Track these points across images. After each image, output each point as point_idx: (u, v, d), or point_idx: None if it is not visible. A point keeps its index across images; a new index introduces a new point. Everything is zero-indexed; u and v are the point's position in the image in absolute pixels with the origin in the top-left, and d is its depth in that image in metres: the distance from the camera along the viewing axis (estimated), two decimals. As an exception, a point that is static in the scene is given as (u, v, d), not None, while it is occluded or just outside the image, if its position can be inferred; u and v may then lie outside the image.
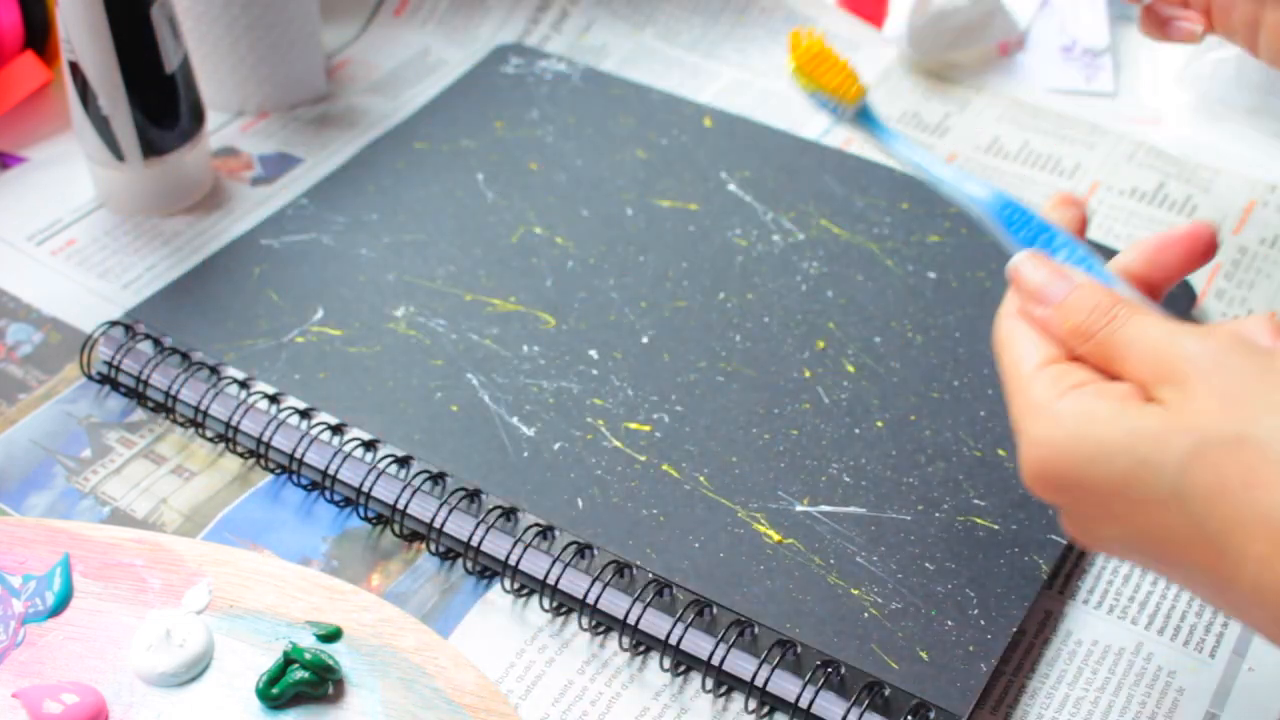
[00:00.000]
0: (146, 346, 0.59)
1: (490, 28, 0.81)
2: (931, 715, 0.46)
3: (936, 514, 0.52)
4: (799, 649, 0.48)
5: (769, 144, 0.70)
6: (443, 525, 0.52)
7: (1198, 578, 0.39)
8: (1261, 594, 0.36)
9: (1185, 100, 0.76)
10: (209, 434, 0.57)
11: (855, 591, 0.49)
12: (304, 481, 0.55)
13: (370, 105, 0.75)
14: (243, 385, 0.57)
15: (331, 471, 0.54)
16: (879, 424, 0.56)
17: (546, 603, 0.51)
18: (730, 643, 0.48)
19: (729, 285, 0.62)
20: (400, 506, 0.53)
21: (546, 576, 0.50)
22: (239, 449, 0.56)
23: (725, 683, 0.49)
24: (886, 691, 0.47)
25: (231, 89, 0.72)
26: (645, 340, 0.59)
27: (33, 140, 0.72)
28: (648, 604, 0.49)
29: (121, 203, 0.67)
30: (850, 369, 0.58)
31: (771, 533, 0.51)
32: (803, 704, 0.46)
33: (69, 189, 0.69)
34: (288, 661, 0.47)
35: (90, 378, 0.59)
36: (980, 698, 0.48)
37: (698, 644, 0.49)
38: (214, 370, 0.57)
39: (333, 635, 0.49)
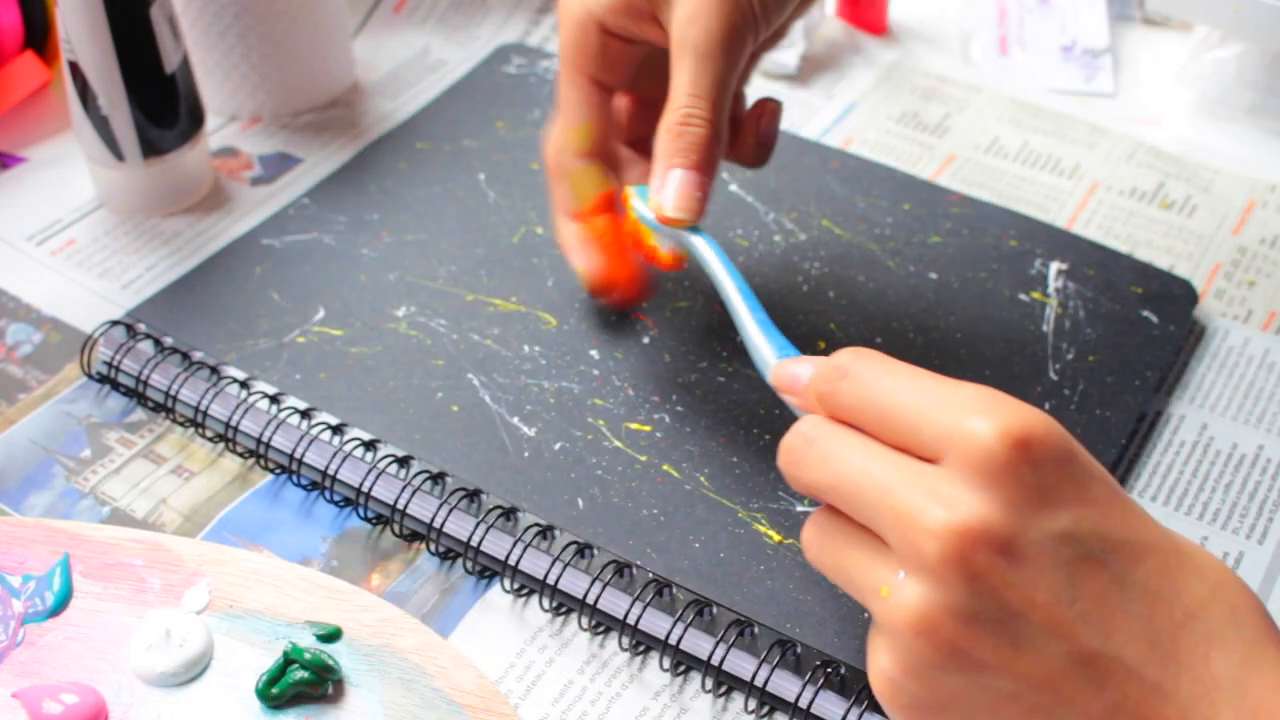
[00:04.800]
0: (147, 346, 0.59)
1: (490, 29, 0.81)
2: (932, 715, 0.46)
3: (937, 514, 0.52)
4: (799, 649, 0.48)
5: (769, 144, 0.70)
6: (443, 525, 0.52)
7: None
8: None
9: (1185, 100, 0.76)
10: (209, 434, 0.57)
11: (855, 592, 0.49)
12: (304, 481, 0.55)
13: (370, 105, 0.75)
14: (243, 385, 0.57)
15: (331, 471, 0.54)
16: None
17: (546, 603, 0.51)
18: (730, 643, 0.48)
19: (729, 285, 0.62)
20: (400, 506, 0.53)
21: (546, 576, 0.50)
22: (239, 449, 0.56)
23: (725, 683, 0.49)
24: (887, 692, 0.47)
25: (243, 95, 0.72)
26: (646, 340, 0.59)
27: (33, 140, 0.72)
28: (648, 604, 0.49)
29: (121, 203, 0.67)
30: (851, 369, 0.58)
31: (772, 533, 0.51)
32: (803, 704, 0.46)
33: (69, 189, 0.69)
34: (288, 661, 0.47)
35: (90, 377, 0.59)
36: (981, 698, 0.48)
37: (698, 644, 0.48)
38: (214, 370, 0.57)
39: (332, 635, 0.49)
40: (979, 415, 0.35)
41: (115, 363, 0.58)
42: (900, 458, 0.36)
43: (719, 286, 0.49)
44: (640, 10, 0.51)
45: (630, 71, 0.55)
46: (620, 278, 0.56)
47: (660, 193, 0.50)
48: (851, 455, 0.37)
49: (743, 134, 0.54)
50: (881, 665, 0.37)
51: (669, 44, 0.51)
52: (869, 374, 0.38)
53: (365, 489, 0.53)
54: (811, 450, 0.38)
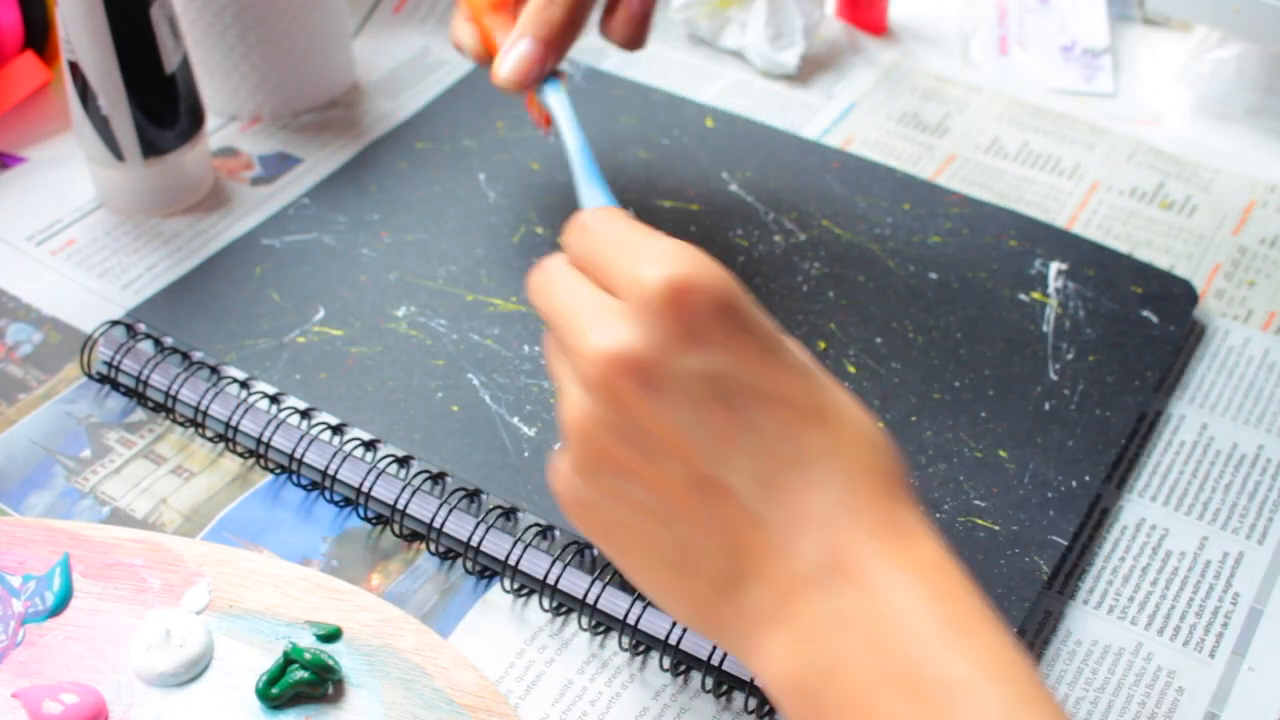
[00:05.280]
0: (147, 346, 0.59)
1: (491, 28, 0.81)
2: (932, 715, 0.46)
3: (937, 515, 0.52)
4: (799, 649, 0.48)
5: (771, 144, 0.70)
6: (443, 525, 0.52)
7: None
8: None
9: (1185, 100, 0.76)
10: (209, 434, 0.57)
11: (855, 592, 0.49)
12: (304, 481, 0.55)
13: (370, 105, 0.75)
14: (243, 385, 0.57)
15: (331, 471, 0.54)
16: (879, 425, 0.56)
17: (546, 602, 0.51)
18: (730, 643, 0.48)
19: (729, 285, 0.62)
20: (400, 506, 0.53)
21: (546, 576, 0.50)
22: (239, 449, 0.56)
23: (725, 682, 0.49)
24: (887, 692, 0.47)
25: (243, 95, 0.72)
26: (645, 340, 0.59)
27: (33, 140, 0.72)
28: (648, 604, 0.49)
29: (121, 203, 0.67)
30: (851, 370, 0.58)
31: (772, 533, 0.51)
32: (803, 704, 0.46)
33: (69, 189, 0.69)
34: (288, 661, 0.47)
35: (90, 377, 0.59)
36: (981, 698, 0.48)
37: (698, 644, 0.48)
38: (214, 370, 0.57)
39: (332, 635, 0.49)
40: (655, 262, 0.39)
41: (115, 363, 0.58)
42: (596, 293, 0.41)
43: (563, 139, 0.53)
44: None
45: None
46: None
47: (503, 58, 0.56)
48: (564, 286, 0.42)
49: (615, 11, 0.59)
50: (559, 461, 0.42)
51: None
52: (596, 227, 0.43)
53: (365, 489, 0.53)
54: (541, 280, 0.43)
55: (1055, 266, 0.63)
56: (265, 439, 0.55)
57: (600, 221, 0.43)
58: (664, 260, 0.39)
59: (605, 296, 0.41)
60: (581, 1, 0.56)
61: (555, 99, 0.55)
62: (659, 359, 0.39)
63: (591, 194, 0.50)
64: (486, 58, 0.59)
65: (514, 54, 0.55)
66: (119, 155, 0.64)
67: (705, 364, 0.39)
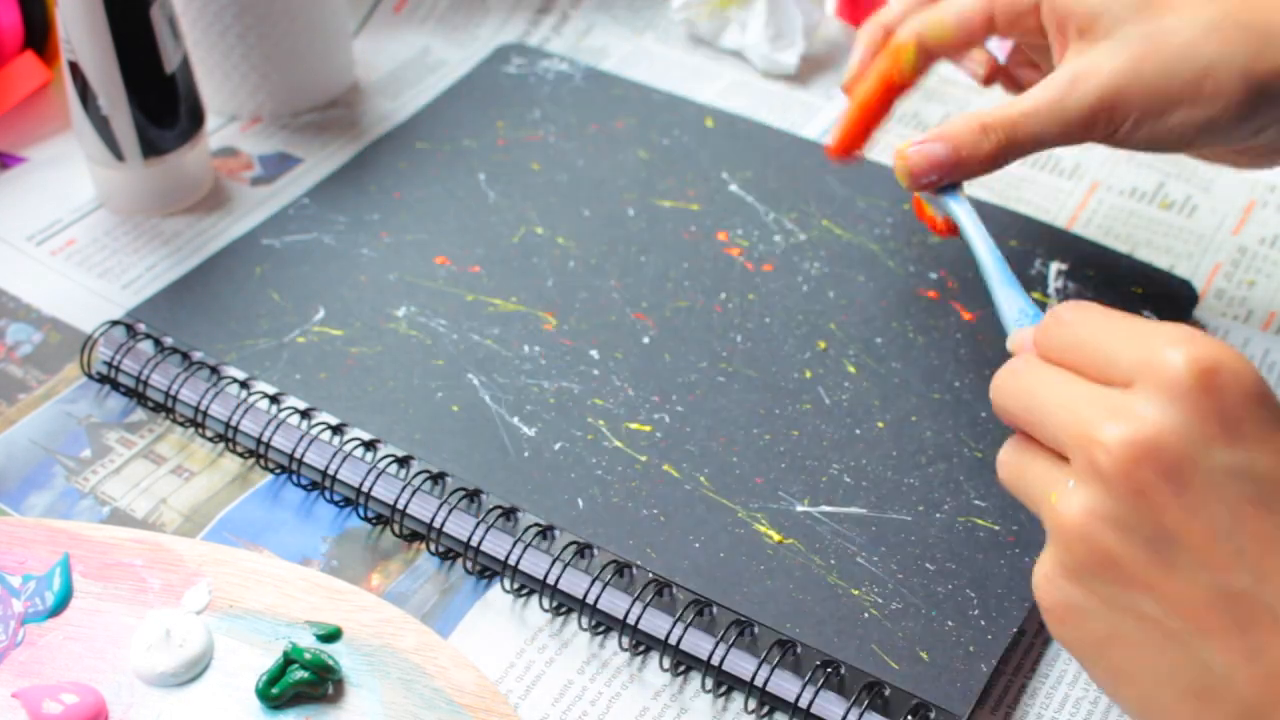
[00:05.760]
0: (147, 346, 0.59)
1: (490, 29, 0.81)
2: (931, 715, 0.46)
3: (937, 515, 0.52)
4: (799, 649, 0.48)
5: (771, 144, 0.70)
6: (443, 525, 0.52)
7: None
8: None
9: (1186, 101, 0.76)
10: (209, 434, 0.57)
11: (855, 592, 0.49)
12: (304, 481, 0.55)
13: (370, 105, 0.75)
14: (243, 385, 0.57)
15: (331, 471, 0.54)
16: (880, 425, 0.56)
17: (546, 603, 0.51)
18: (730, 643, 0.48)
19: (730, 285, 0.62)
20: (400, 506, 0.53)
21: (546, 576, 0.50)
22: (239, 449, 0.56)
23: (725, 683, 0.49)
24: (886, 691, 0.47)
25: (243, 95, 0.72)
26: (646, 340, 0.59)
27: (33, 140, 0.72)
28: (648, 604, 0.49)
29: (121, 203, 0.67)
30: (851, 370, 0.58)
31: (772, 533, 0.51)
32: (803, 704, 0.46)
33: (69, 189, 0.69)
34: (288, 661, 0.47)
35: (90, 377, 0.59)
36: (980, 698, 0.48)
37: (698, 644, 0.48)
38: (214, 370, 0.57)
39: (332, 635, 0.49)
40: (1172, 345, 0.36)
41: (115, 363, 0.58)
42: (1094, 385, 0.38)
43: (972, 247, 0.52)
44: (1059, 26, 0.53)
45: (1022, 39, 0.57)
46: (848, 147, 0.58)
47: (918, 145, 0.52)
48: (1049, 383, 0.39)
49: None
50: (1043, 565, 0.38)
51: (1056, 61, 0.53)
52: (1079, 318, 0.40)
53: (365, 489, 0.53)
54: (1015, 380, 0.40)
55: (1055, 266, 0.63)
56: (265, 439, 0.55)
57: (1083, 313, 0.40)
58: (1185, 342, 0.36)
59: (1111, 389, 0.37)
60: (1009, 150, 0.52)
61: (960, 209, 0.53)
62: (1191, 451, 0.35)
63: (1011, 298, 0.49)
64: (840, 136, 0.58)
65: (924, 150, 0.52)
66: (119, 155, 0.64)
67: (1243, 460, 0.35)
